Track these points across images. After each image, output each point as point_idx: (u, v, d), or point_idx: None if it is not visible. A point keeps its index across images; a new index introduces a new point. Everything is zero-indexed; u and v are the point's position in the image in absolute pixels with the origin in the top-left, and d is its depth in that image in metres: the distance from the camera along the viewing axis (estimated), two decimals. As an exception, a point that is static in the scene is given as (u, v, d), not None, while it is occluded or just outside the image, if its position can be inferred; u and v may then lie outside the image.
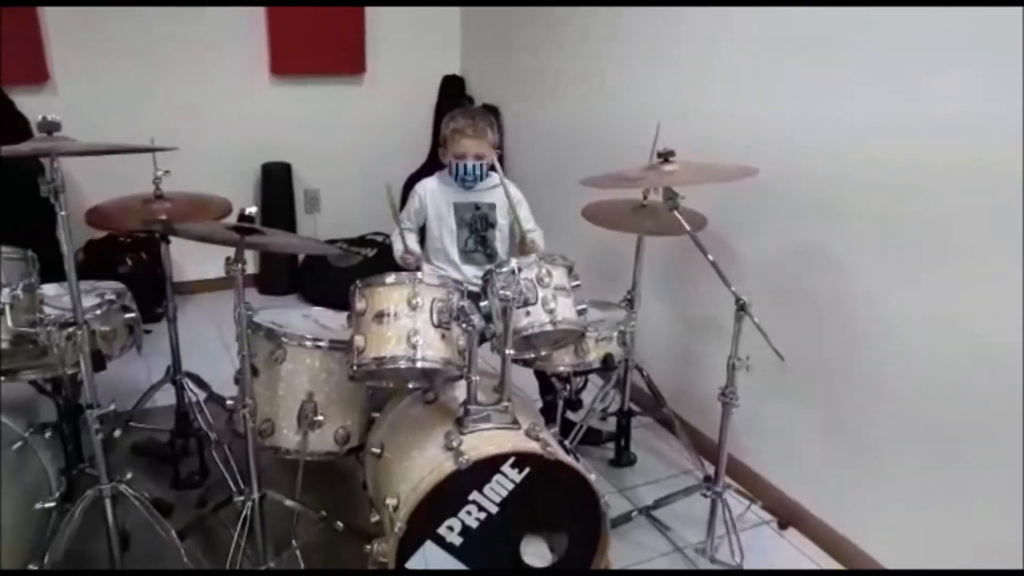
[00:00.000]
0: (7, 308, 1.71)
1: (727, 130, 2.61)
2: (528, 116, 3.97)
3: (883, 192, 2.14)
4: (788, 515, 2.55)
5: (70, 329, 1.78)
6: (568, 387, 2.51)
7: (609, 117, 3.32)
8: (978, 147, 1.89)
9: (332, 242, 4.46)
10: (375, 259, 4.30)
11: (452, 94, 4.53)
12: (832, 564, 2.39)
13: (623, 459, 2.87)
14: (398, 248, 2.69)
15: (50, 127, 1.69)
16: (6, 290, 1.72)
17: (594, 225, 2.51)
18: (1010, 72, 1.79)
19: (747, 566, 2.28)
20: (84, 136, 1.90)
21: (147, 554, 2.21)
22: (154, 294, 3.78)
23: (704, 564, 2.35)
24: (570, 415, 2.70)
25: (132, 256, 3.72)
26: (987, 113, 1.86)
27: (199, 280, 4.17)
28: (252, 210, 1.92)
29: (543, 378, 2.69)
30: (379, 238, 4.56)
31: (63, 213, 1.73)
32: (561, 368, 2.42)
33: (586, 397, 2.73)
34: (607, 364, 2.41)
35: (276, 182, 4.26)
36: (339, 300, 4.16)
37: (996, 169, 1.85)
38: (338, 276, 3.97)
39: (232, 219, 2.33)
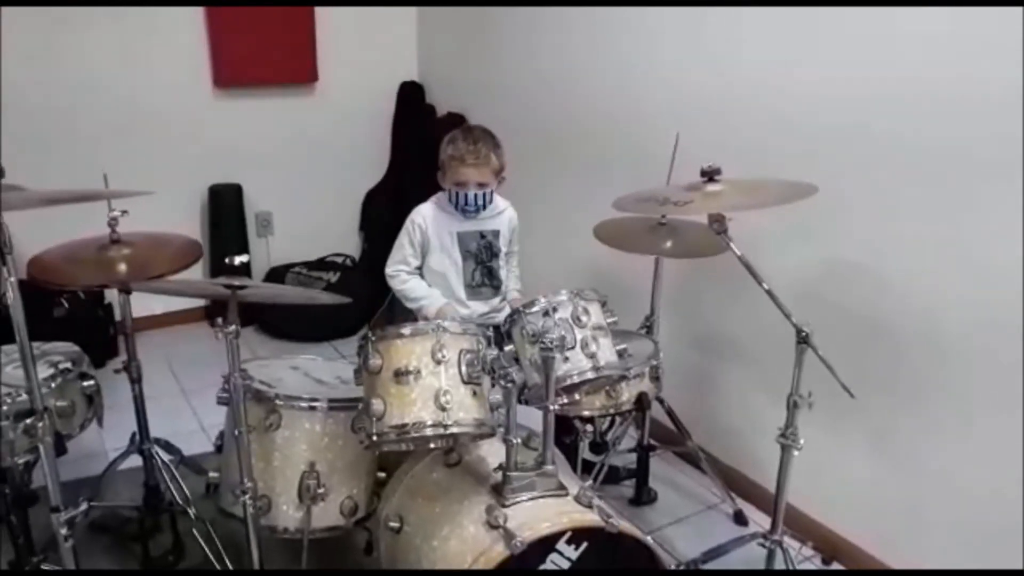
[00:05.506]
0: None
1: (740, 134, 2.42)
2: (497, 124, 3.67)
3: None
4: (832, 550, 2.37)
5: (28, 420, 1.44)
6: (592, 429, 2.27)
7: (593, 122, 3.08)
8: None
9: (290, 267, 4.09)
10: (338, 283, 3.97)
11: (411, 102, 4.21)
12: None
13: (643, 497, 2.65)
14: (428, 306, 2.35)
15: (-10, 174, 1.34)
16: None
17: (598, 243, 2.28)
18: None
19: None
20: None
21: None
22: (97, 337, 3.38)
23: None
24: (588, 455, 2.46)
25: (68, 296, 3.28)
26: None
27: (144, 317, 3.71)
28: (243, 259, 1.61)
29: (559, 417, 2.44)
30: (339, 259, 4.23)
31: (12, 280, 1.38)
32: (587, 412, 2.17)
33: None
34: (641, 404, 2.17)
35: (225, 205, 3.87)
36: (299, 330, 3.85)
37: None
38: (297, 305, 3.60)
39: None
